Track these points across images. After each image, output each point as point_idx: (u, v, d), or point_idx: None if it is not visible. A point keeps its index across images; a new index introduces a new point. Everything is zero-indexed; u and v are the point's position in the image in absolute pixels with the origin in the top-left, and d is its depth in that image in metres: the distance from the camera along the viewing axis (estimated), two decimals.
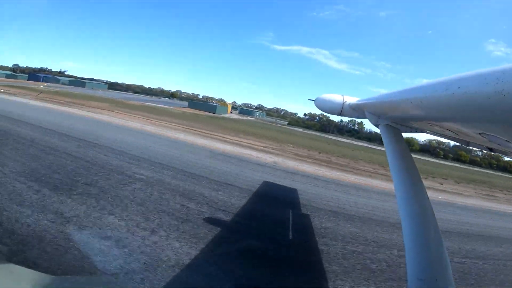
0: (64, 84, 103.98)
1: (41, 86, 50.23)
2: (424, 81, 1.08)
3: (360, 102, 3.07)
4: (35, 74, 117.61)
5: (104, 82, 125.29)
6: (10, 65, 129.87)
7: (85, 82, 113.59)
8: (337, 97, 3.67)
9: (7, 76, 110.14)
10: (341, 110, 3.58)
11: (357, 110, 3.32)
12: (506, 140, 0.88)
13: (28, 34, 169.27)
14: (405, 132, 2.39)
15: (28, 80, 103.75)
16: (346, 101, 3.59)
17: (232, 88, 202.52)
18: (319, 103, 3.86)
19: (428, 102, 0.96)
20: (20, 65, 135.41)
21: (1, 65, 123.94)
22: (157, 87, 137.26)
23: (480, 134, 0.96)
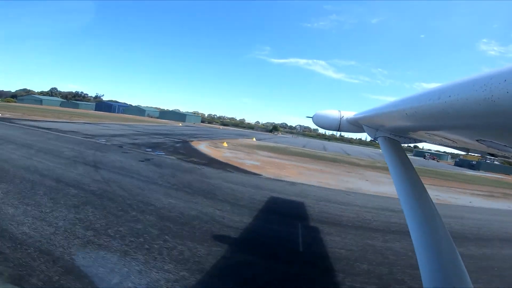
0: (152, 117, 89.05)
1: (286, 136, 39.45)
2: (423, 86, 1.10)
3: (357, 116, 3.10)
4: (105, 103, 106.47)
5: (194, 114, 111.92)
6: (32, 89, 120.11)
7: (185, 115, 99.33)
8: (333, 113, 3.69)
9: (63, 104, 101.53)
10: (339, 125, 3.60)
11: (355, 124, 3.35)
12: (504, 145, 0.88)
13: (27, 56, 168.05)
14: (404, 143, 2.40)
15: (96, 110, 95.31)
16: (343, 116, 3.61)
17: (235, 105, 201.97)
18: (316, 120, 3.89)
19: (423, 112, 0.97)
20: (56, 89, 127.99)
21: (27, 89, 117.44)
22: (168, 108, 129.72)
23: (477, 140, 0.97)
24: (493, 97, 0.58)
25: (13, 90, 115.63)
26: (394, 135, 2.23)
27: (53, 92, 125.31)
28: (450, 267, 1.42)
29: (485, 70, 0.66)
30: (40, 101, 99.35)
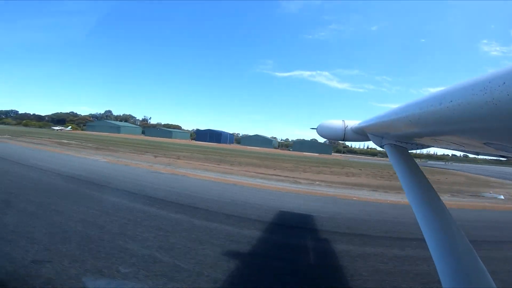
0: (281, 148, 65.92)
1: None
2: (430, 91, 1.10)
3: (362, 124, 3.09)
4: (211, 131, 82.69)
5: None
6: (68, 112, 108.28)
7: (330, 146, 73.48)
8: (337, 123, 3.70)
9: (149, 133, 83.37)
10: (344, 135, 3.59)
11: (360, 133, 3.34)
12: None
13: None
14: (412, 149, 2.37)
15: (197, 139, 77.37)
16: (347, 126, 3.61)
17: (244, 121, 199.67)
18: (321, 131, 3.89)
19: (426, 118, 0.97)
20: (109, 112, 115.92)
21: (74, 112, 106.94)
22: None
23: (484, 143, 0.96)
24: (494, 100, 0.58)
25: (49, 113, 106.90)
26: (400, 142, 2.21)
27: (108, 116, 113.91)
28: (472, 272, 1.37)
29: (489, 71, 0.66)
30: (118, 128, 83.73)
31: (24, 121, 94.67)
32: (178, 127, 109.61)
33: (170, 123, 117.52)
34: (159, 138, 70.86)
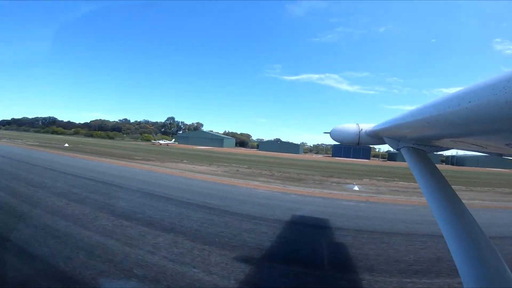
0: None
1: None
2: (444, 92, 1.08)
3: (377, 128, 3.04)
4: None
5: None
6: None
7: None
8: (351, 126, 3.64)
9: (260, 147, 73.18)
10: (358, 139, 3.53)
11: (375, 136, 3.28)
12: None
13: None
14: (430, 152, 2.31)
15: (333, 155, 63.17)
16: (362, 129, 3.54)
17: (252, 125, 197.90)
18: (334, 135, 3.83)
19: (444, 120, 0.95)
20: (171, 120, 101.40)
21: (127, 119, 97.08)
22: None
23: (507, 145, 0.93)
24: None
25: (87, 121, 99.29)
26: (418, 144, 2.16)
27: (171, 124, 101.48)
28: (494, 272, 1.33)
29: (505, 70, 0.65)
30: (221, 141, 74.18)
31: (84, 130, 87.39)
32: (248, 136, 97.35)
33: (235, 131, 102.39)
34: (288, 154, 58.83)
